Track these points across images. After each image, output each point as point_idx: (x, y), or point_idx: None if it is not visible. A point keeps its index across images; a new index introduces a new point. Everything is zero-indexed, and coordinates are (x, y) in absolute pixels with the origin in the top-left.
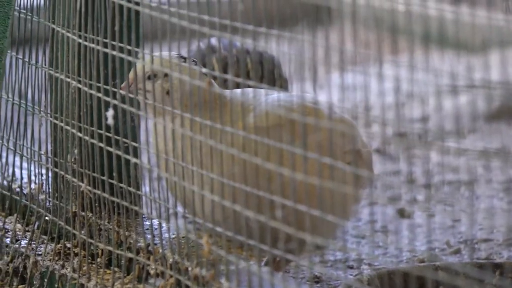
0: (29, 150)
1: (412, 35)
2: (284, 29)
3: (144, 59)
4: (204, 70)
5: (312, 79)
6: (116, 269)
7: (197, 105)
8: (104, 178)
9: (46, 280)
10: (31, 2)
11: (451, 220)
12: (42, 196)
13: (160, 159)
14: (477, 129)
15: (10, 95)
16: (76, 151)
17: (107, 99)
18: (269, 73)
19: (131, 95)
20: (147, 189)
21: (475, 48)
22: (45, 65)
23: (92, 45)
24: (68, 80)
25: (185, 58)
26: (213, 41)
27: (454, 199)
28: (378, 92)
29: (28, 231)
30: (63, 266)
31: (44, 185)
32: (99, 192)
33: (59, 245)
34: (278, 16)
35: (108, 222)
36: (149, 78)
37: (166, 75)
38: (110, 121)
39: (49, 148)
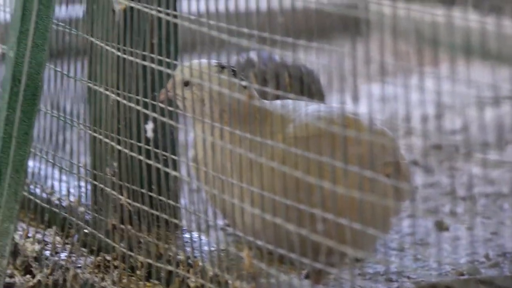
0: (68, 163)
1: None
2: (324, 42)
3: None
4: (244, 83)
5: (352, 91)
6: (155, 281)
7: (236, 117)
8: (144, 191)
9: None
10: (69, 15)
11: (489, 233)
12: (81, 209)
13: (200, 169)
14: None
15: (48, 108)
16: (115, 164)
17: (146, 112)
18: (307, 88)
19: (162, 105)
20: (186, 201)
21: None
22: (84, 78)
23: (131, 58)
24: (107, 93)
25: (224, 67)
26: (252, 55)
27: (493, 211)
28: (418, 104)
29: (67, 243)
30: (103, 279)
31: (83, 197)
32: (138, 205)
33: (99, 257)
34: (317, 28)
35: (148, 235)
36: (186, 85)
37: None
38: (150, 134)
39: (88, 160)
